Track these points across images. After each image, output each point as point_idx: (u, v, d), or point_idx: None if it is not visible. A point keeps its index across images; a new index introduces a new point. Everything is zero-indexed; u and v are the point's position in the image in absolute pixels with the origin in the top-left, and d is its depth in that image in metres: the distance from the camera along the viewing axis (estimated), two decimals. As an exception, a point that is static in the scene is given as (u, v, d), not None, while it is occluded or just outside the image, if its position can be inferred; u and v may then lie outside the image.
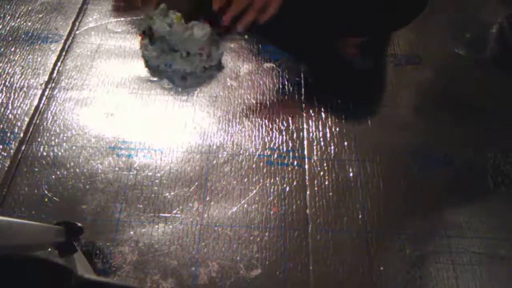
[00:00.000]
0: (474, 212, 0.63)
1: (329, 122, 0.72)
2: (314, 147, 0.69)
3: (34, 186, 0.64)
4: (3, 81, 0.76)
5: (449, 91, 0.78)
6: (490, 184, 0.66)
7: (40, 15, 0.88)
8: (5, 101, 0.73)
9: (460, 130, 0.73)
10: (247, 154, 0.68)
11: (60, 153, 0.67)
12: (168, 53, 0.76)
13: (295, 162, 0.67)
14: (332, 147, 0.69)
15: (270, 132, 0.71)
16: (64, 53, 0.81)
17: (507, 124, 0.73)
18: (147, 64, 0.79)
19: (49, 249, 0.55)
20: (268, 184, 0.65)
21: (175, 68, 0.77)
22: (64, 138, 0.69)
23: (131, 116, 0.72)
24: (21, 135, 0.69)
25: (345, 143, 0.70)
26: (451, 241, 0.60)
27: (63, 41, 0.83)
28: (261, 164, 0.67)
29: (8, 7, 0.89)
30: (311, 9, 0.74)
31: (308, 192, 0.64)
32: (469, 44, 0.87)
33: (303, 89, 0.77)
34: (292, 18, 0.78)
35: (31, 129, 0.70)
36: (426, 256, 0.59)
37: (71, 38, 0.84)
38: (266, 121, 0.72)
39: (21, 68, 0.78)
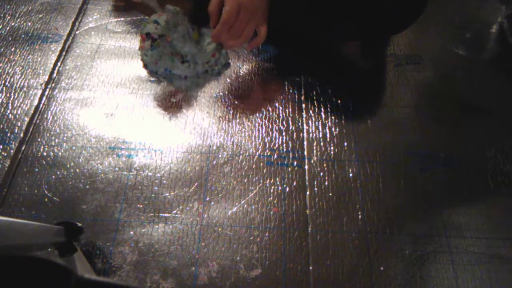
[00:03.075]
0: (474, 212, 0.63)
1: (329, 123, 0.72)
2: (314, 148, 0.69)
3: (34, 186, 0.64)
4: (3, 81, 0.76)
5: (449, 91, 0.78)
6: (490, 184, 0.66)
7: (40, 15, 0.88)
8: (5, 101, 0.73)
9: (460, 130, 0.73)
10: (247, 154, 0.68)
11: (60, 153, 0.67)
12: (168, 58, 0.76)
13: (295, 163, 0.67)
14: (332, 148, 0.69)
15: (270, 133, 0.71)
16: (64, 53, 0.81)
17: (507, 124, 0.73)
18: (146, 68, 0.79)
19: (49, 249, 0.55)
20: (268, 185, 0.65)
21: (175, 73, 0.77)
22: (64, 138, 0.69)
23: (131, 116, 0.72)
24: (21, 135, 0.69)
25: (345, 144, 0.70)
26: (451, 241, 0.60)
27: (63, 41, 0.83)
28: (261, 164, 0.67)
29: (8, 7, 0.89)
30: (311, 13, 0.74)
31: (308, 193, 0.64)
32: (469, 44, 0.87)
33: (303, 89, 0.77)
34: (292, 20, 0.78)
35: (31, 129, 0.70)
36: (426, 256, 0.59)
37: (71, 38, 0.84)
38: (266, 121, 0.72)
39: (21, 68, 0.78)
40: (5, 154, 0.67)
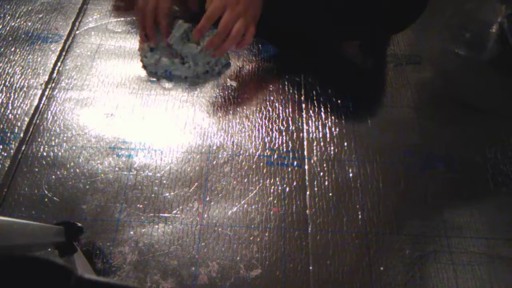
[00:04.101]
0: (474, 212, 0.63)
1: (329, 123, 0.72)
2: (314, 148, 0.69)
3: (34, 186, 0.64)
4: (3, 81, 0.76)
5: (449, 91, 0.78)
6: (490, 184, 0.66)
7: (40, 15, 0.88)
8: (5, 101, 0.73)
9: (460, 130, 0.73)
10: (247, 154, 0.68)
11: (60, 153, 0.67)
12: (168, 60, 0.75)
13: (295, 163, 0.67)
14: (332, 148, 0.69)
15: (270, 133, 0.71)
16: (64, 53, 0.81)
17: (507, 124, 0.73)
18: (146, 69, 0.79)
19: (49, 249, 0.55)
20: (268, 185, 0.65)
21: (175, 74, 0.77)
22: (64, 138, 0.69)
23: (131, 116, 0.72)
24: (21, 135, 0.69)
25: (345, 144, 0.70)
26: (451, 241, 0.60)
27: (63, 41, 0.83)
28: (261, 164, 0.67)
29: (8, 7, 0.89)
30: (310, 13, 0.74)
31: (308, 193, 0.64)
32: (469, 44, 0.87)
33: (303, 89, 0.77)
34: (291, 20, 0.78)
35: (31, 129, 0.70)
36: (426, 256, 0.59)
37: (71, 38, 0.84)
38: (266, 121, 0.72)
39: (21, 68, 0.78)
40: (5, 154, 0.67)
